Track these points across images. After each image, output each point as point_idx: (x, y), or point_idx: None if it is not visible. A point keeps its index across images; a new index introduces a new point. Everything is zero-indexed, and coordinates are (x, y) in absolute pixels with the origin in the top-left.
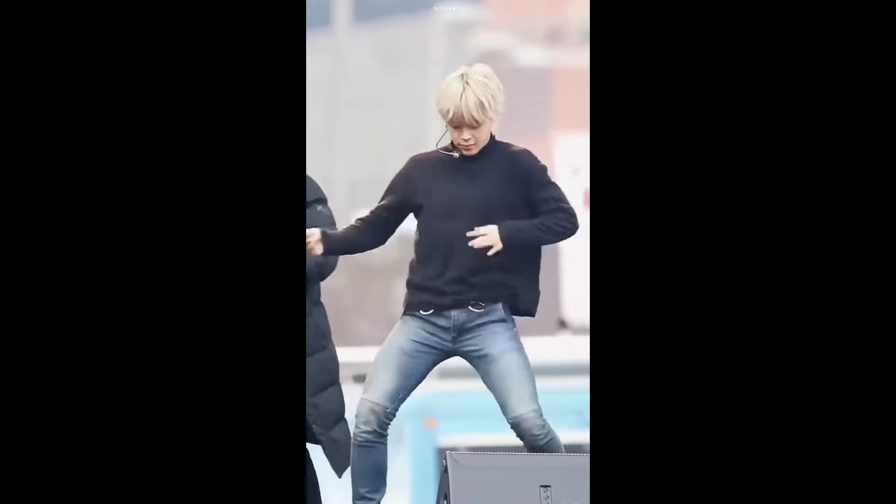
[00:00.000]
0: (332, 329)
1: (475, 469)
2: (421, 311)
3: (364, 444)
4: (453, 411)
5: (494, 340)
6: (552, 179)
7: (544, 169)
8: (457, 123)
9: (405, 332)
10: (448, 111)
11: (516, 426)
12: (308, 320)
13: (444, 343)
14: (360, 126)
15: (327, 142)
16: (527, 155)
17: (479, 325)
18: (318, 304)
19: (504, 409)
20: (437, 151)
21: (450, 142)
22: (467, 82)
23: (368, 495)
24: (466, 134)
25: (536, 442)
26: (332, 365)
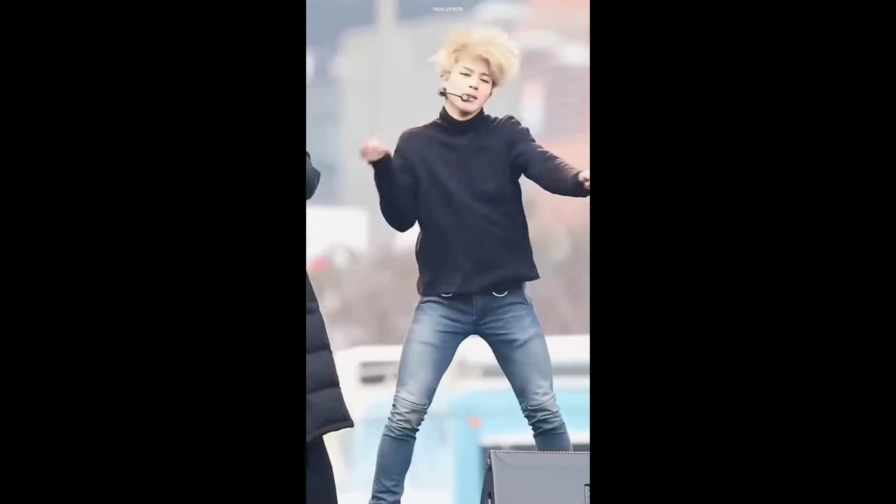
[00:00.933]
0: (374, 329)
1: (520, 468)
2: (442, 294)
3: (401, 437)
4: (497, 410)
5: (520, 325)
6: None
7: (524, 132)
8: (473, 66)
9: (430, 324)
10: (472, 47)
11: (535, 412)
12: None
13: (467, 326)
14: (401, 123)
15: (368, 138)
16: (508, 121)
17: (502, 308)
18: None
19: (523, 392)
20: (434, 123)
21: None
22: (495, 36)
23: (395, 489)
24: (475, 81)
25: (553, 424)
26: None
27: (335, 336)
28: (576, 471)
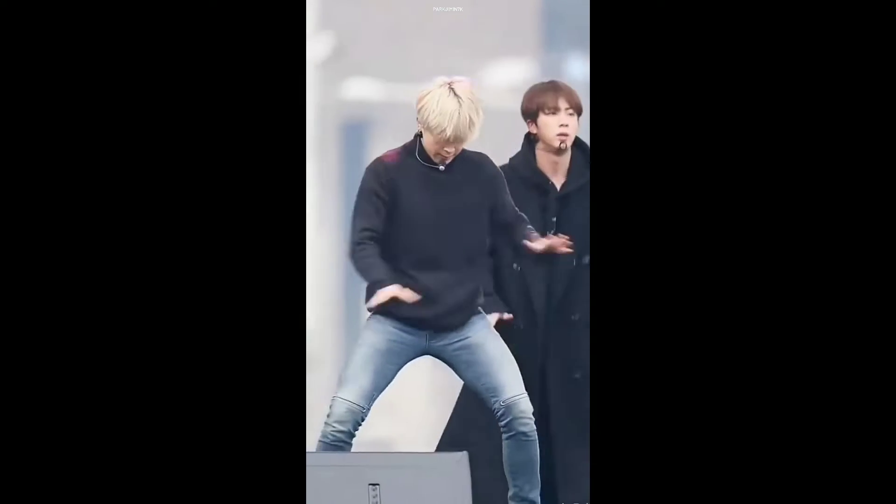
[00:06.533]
0: None
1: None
2: (389, 323)
3: (336, 443)
4: None
5: (473, 328)
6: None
7: (501, 175)
8: (449, 140)
9: (381, 332)
10: (444, 129)
11: (510, 408)
12: None
13: (419, 342)
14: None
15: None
16: (487, 160)
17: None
18: None
19: (495, 392)
20: (414, 160)
21: (416, 141)
22: (460, 98)
23: None
24: (451, 147)
25: (528, 427)
26: None
27: None
28: (359, 470)
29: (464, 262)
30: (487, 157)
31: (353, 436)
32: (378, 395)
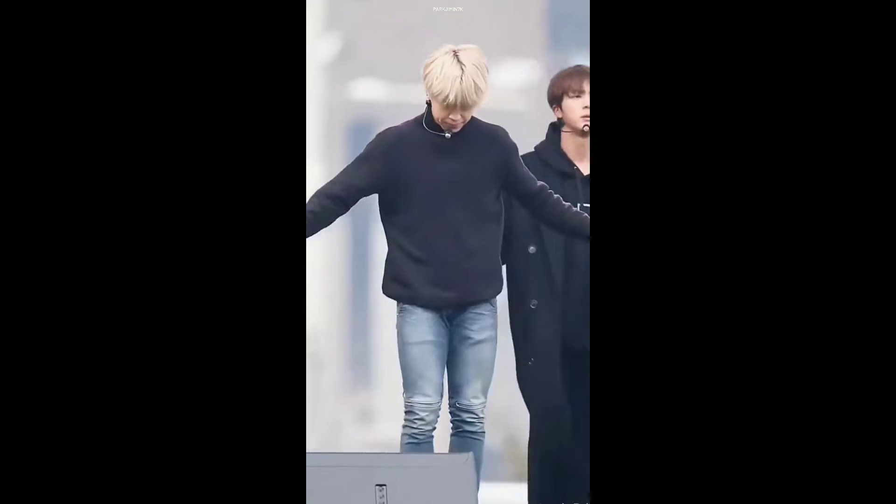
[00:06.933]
0: None
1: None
2: (419, 309)
3: (427, 441)
4: None
5: (480, 325)
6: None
7: (516, 147)
8: (453, 105)
9: (420, 323)
10: (447, 95)
11: (465, 410)
12: None
13: (444, 328)
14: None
15: None
16: (502, 132)
17: (469, 307)
18: None
19: (459, 390)
20: (421, 128)
21: (425, 114)
22: (463, 65)
23: None
24: (457, 115)
25: (476, 427)
26: None
27: None
28: (369, 470)
29: (469, 229)
30: (503, 130)
31: (434, 429)
32: (443, 379)
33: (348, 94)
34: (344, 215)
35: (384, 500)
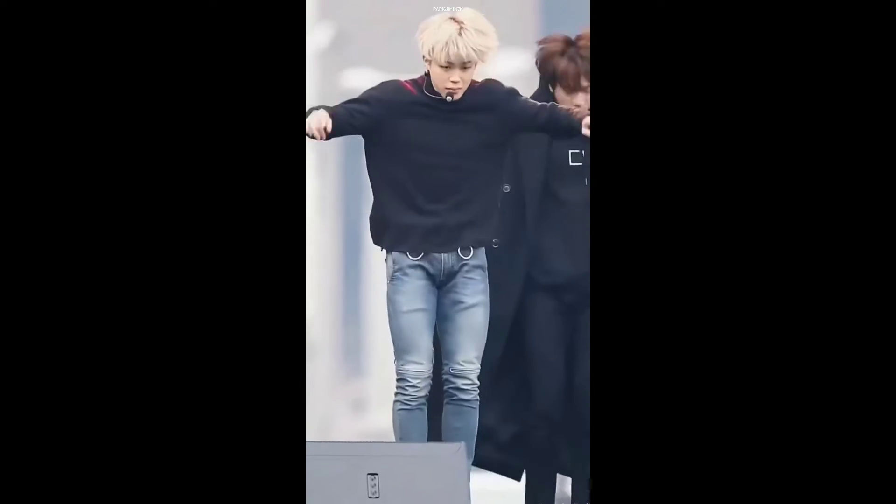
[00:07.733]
0: None
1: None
2: (409, 255)
3: (417, 407)
4: None
5: (472, 289)
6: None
7: (514, 89)
8: (448, 64)
9: (411, 290)
10: (440, 54)
11: (459, 376)
12: None
13: (435, 285)
14: None
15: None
16: (496, 82)
17: (463, 270)
18: None
19: (453, 354)
20: (422, 93)
21: (424, 77)
22: (460, 25)
23: None
24: (456, 76)
25: (469, 395)
26: None
27: None
28: (361, 460)
29: (471, 190)
30: (496, 80)
31: (427, 397)
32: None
33: (341, 82)
34: (334, 205)
35: (376, 489)
